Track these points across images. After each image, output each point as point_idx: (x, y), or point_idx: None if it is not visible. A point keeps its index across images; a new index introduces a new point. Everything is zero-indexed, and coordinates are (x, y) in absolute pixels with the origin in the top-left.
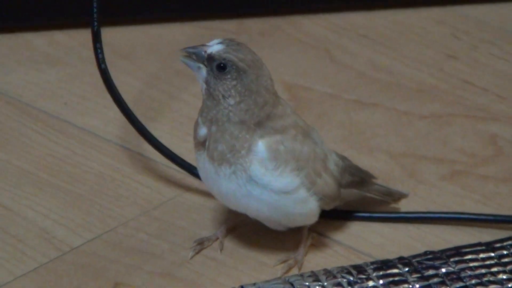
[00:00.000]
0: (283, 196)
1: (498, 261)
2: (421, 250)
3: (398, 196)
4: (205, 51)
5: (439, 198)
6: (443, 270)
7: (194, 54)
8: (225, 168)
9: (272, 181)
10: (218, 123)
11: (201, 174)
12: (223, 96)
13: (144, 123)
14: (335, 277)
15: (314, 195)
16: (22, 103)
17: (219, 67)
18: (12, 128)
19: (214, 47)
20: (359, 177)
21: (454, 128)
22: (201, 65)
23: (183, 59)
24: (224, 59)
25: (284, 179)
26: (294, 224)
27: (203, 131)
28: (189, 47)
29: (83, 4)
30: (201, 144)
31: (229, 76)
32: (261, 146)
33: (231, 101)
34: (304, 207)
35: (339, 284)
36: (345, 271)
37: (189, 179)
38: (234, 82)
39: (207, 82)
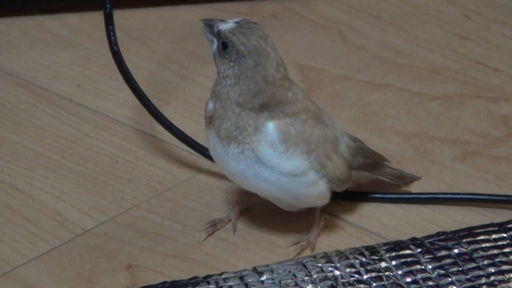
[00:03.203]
0: (292, 179)
1: (510, 242)
2: (434, 231)
3: (410, 179)
4: (217, 26)
5: (451, 179)
6: (456, 250)
7: (209, 26)
8: (234, 147)
9: (280, 163)
10: (221, 99)
11: (211, 153)
12: (223, 75)
13: (157, 105)
14: (347, 258)
15: (323, 178)
16: (34, 85)
17: (223, 45)
18: (24, 111)
19: (227, 25)
20: (371, 160)
21: (466, 108)
22: (214, 39)
23: (202, 28)
24: (227, 38)
25: (294, 162)
26: (304, 205)
27: (210, 105)
28: (208, 19)
29: None
30: (210, 121)
31: (228, 56)
32: (271, 128)
33: (228, 81)
34: (314, 189)
35: (351, 265)
36: (358, 252)
37: (202, 161)
38: (231, 64)
39: (214, 57)
